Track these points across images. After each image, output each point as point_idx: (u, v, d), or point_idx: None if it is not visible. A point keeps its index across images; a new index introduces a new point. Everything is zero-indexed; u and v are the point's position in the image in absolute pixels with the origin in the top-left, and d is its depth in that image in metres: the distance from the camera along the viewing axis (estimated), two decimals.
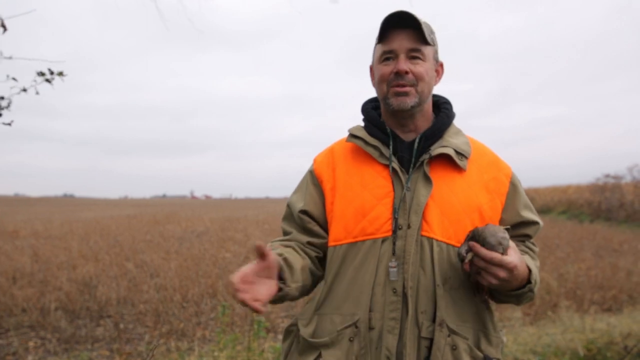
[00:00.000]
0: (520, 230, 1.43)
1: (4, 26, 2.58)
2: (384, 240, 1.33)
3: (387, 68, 1.36)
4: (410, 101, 1.35)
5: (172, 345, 4.48)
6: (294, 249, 1.40)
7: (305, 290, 1.41)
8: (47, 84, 3.49)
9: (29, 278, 7.37)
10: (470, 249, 1.21)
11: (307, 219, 1.44)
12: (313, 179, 1.48)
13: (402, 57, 1.34)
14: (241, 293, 1.10)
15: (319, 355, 1.33)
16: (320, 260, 1.45)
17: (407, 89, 1.34)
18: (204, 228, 16.18)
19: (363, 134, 1.42)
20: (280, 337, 4.73)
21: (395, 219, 1.32)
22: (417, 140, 1.38)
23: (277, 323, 5.39)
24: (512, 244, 1.24)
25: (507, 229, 1.23)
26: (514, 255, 1.21)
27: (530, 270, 1.28)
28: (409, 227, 1.31)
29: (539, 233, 1.47)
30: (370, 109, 1.48)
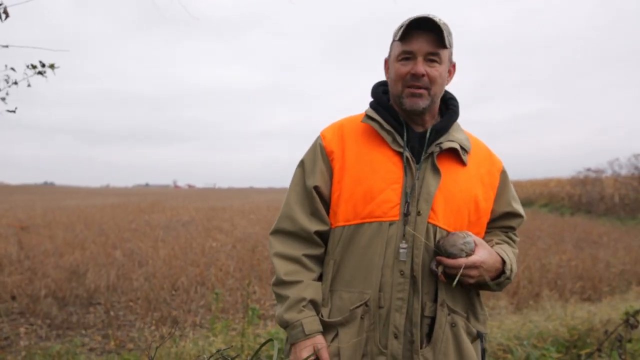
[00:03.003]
0: (505, 222, 1.56)
1: (6, 13, 2.58)
2: (391, 224, 1.40)
3: (404, 68, 1.40)
4: (422, 103, 1.42)
5: (164, 332, 4.53)
6: (305, 268, 1.44)
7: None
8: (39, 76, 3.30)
9: (16, 265, 7.34)
10: (439, 263, 1.37)
11: (317, 197, 1.47)
12: (323, 155, 1.49)
13: (420, 59, 1.39)
14: None
15: (337, 334, 1.41)
16: (325, 242, 1.49)
17: (421, 91, 1.41)
18: (189, 217, 16.16)
19: (379, 118, 1.46)
20: (271, 323, 4.82)
21: (407, 204, 1.40)
22: (428, 133, 1.46)
23: (267, 309, 5.47)
24: (479, 240, 1.40)
25: (467, 233, 1.39)
26: (481, 252, 1.37)
27: (504, 261, 1.42)
28: (418, 214, 1.40)
29: (521, 226, 1.61)
30: (381, 92, 1.53)
